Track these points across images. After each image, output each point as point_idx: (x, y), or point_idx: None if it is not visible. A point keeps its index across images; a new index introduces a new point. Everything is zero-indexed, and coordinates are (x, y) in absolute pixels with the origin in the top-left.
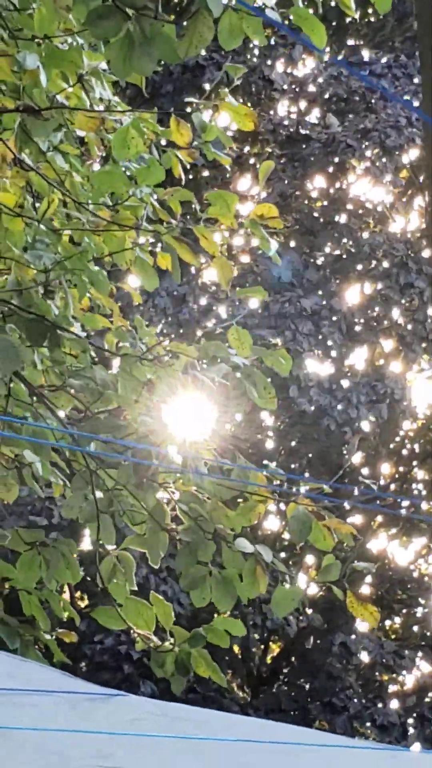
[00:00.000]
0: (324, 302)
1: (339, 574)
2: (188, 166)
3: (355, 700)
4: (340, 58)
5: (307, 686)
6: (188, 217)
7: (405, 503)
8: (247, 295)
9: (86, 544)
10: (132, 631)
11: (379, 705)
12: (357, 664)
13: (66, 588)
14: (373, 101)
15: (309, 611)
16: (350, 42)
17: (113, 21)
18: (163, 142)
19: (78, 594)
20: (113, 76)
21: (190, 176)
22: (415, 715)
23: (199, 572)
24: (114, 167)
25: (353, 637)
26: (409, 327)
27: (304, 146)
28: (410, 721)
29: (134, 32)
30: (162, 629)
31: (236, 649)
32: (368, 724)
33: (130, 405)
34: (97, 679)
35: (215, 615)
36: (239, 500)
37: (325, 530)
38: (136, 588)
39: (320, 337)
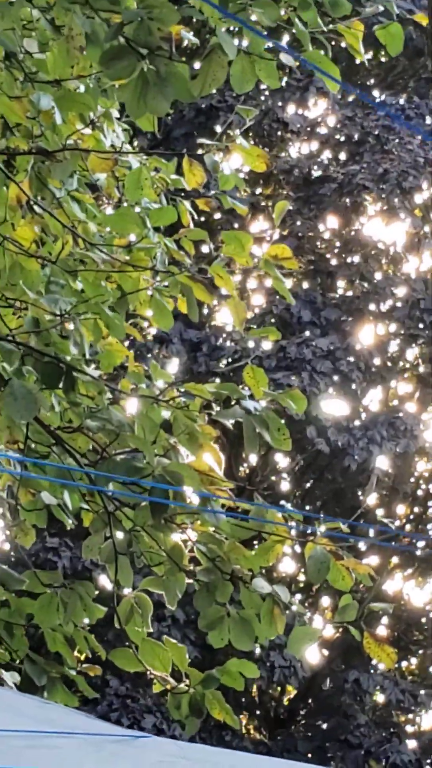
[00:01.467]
0: (339, 343)
1: (356, 614)
2: (197, 212)
3: (370, 738)
4: (351, 98)
5: (324, 726)
6: (202, 258)
7: (421, 543)
8: (261, 335)
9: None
10: (149, 673)
11: (395, 741)
12: (372, 705)
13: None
14: (388, 142)
15: (326, 652)
16: (362, 82)
17: (127, 61)
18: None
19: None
20: (125, 123)
21: (203, 219)
22: None
23: (217, 613)
24: (127, 210)
25: (367, 675)
26: (422, 369)
27: (318, 187)
28: (428, 761)
29: (148, 72)
30: (178, 671)
31: (254, 691)
32: (383, 762)
33: (147, 446)
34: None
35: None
36: (255, 542)
37: (344, 570)
38: (151, 630)
39: (336, 377)
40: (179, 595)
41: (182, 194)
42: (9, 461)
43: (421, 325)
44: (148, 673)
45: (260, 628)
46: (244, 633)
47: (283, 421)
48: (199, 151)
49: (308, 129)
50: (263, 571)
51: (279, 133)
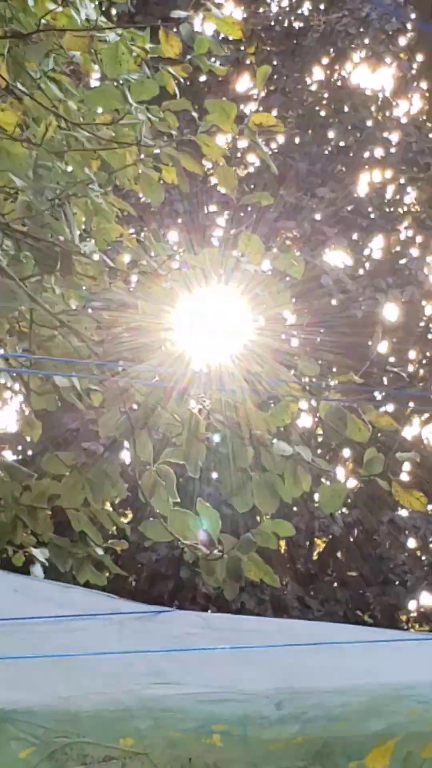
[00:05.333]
0: (338, 192)
1: (382, 466)
2: (182, 80)
3: (412, 574)
4: None
5: (357, 575)
6: (186, 130)
7: None
8: (253, 201)
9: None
10: (179, 542)
11: None
12: (406, 552)
13: (108, 505)
14: None
15: (345, 510)
16: None
17: None
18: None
19: (120, 510)
20: None
21: (188, 83)
22: None
23: (239, 478)
24: (107, 85)
25: (401, 517)
26: (423, 215)
27: (301, 39)
28: None
29: None
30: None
31: (282, 548)
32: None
33: (152, 321)
34: (152, 589)
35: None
36: (271, 402)
37: (360, 422)
38: (178, 500)
39: (338, 227)
40: (200, 464)
41: (160, 63)
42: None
43: (415, 169)
44: (179, 542)
45: (284, 489)
46: (268, 495)
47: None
48: (176, 15)
49: None
50: (282, 429)
51: None
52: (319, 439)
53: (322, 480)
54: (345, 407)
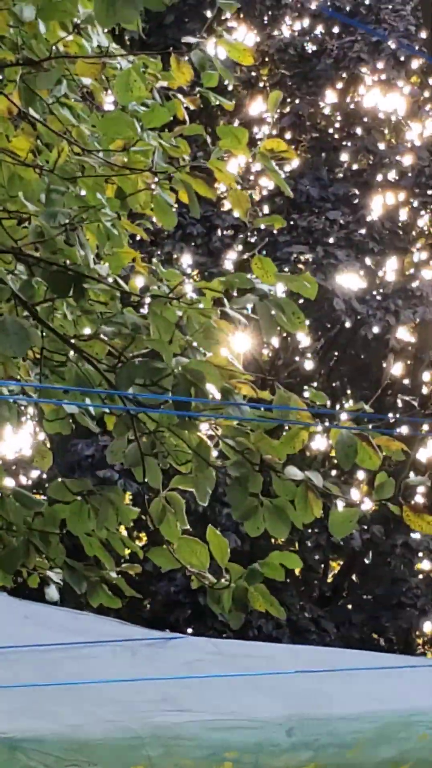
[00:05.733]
0: (350, 216)
1: (393, 491)
2: (191, 108)
3: (424, 598)
4: None
5: (371, 597)
6: (200, 153)
7: None
8: (266, 223)
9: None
10: (187, 571)
11: None
12: (418, 571)
13: (123, 529)
14: (380, 12)
15: (365, 526)
16: None
17: None
18: (165, 84)
19: (135, 533)
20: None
21: (201, 107)
22: None
23: (250, 503)
24: (119, 113)
25: (415, 539)
26: None
27: (314, 63)
28: None
29: None
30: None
31: (297, 570)
32: None
33: (164, 346)
34: (169, 615)
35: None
36: (283, 431)
37: (370, 449)
38: (188, 527)
39: (349, 251)
40: (209, 491)
41: (170, 92)
42: (28, 372)
43: (429, 192)
44: (186, 571)
45: (295, 514)
46: (279, 520)
47: (301, 301)
48: (187, 42)
49: (299, 5)
50: (296, 452)
51: (270, 12)
52: (335, 461)
53: (335, 503)
54: (355, 434)
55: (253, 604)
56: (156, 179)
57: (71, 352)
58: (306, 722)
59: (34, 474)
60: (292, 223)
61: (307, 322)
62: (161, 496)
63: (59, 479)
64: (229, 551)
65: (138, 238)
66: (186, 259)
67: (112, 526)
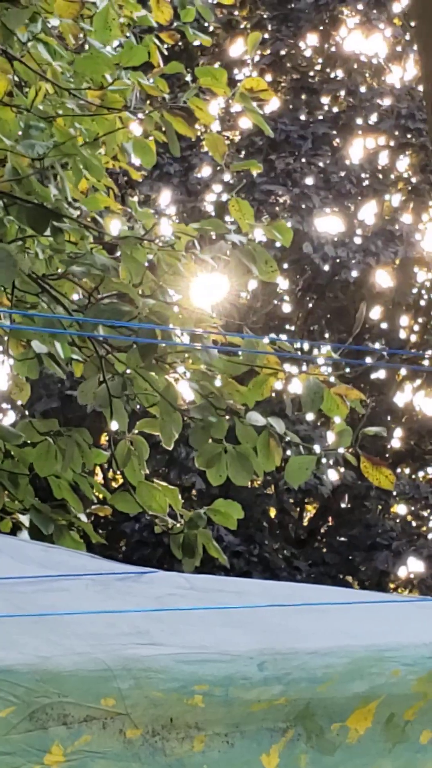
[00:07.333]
0: (329, 158)
1: (350, 440)
2: (176, 45)
3: (399, 541)
4: None
5: (346, 540)
6: (180, 94)
7: (428, 353)
8: (243, 168)
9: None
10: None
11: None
12: (396, 518)
13: (99, 470)
14: None
15: (342, 470)
16: None
17: None
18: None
19: (111, 474)
20: None
21: (181, 46)
22: None
23: (213, 450)
24: (97, 52)
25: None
26: (414, 179)
27: (295, 4)
28: None
29: None
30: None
31: (272, 513)
32: (411, 559)
33: (131, 289)
34: (138, 556)
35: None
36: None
37: (338, 398)
38: (147, 471)
39: (329, 193)
40: (176, 435)
41: (148, 29)
42: None
43: (408, 135)
44: (147, 514)
45: (257, 462)
46: (241, 468)
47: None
48: None
49: None
50: (274, 394)
51: None
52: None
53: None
54: (324, 382)
55: (208, 550)
56: (140, 116)
57: (42, 295)
58: (277, 656)
59: (11, 418)
60: (270, 164)
61: (285, 266)
62: (126, 438)
63: (27, 420)
64: (181, 498)
65: (115, 178)
66: (164, 199)
67: (78, 467)
